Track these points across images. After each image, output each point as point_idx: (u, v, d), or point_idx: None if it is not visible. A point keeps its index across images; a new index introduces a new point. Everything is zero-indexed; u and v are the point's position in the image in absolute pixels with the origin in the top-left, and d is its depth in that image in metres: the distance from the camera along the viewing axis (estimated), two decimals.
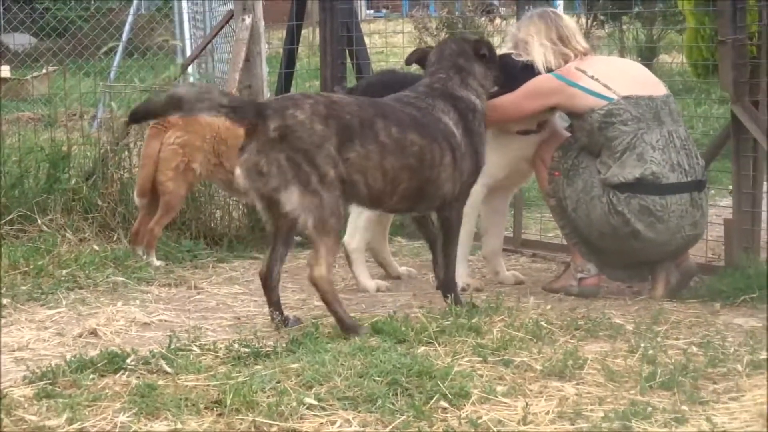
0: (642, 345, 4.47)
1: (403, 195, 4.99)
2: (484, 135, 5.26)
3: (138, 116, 4.97)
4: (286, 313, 5.00)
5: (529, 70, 5.53)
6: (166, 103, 4.70)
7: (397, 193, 4.96)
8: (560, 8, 5.89)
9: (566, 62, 5.52)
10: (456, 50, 5.28)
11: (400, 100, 5.09)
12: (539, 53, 5.52)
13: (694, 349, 4.46)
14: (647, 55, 12.68)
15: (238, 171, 4.75)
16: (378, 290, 5.77)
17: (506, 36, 5.75)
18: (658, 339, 4.60)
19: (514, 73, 5.50)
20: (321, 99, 4.88)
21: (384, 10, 17.06)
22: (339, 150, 4.73)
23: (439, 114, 5.09)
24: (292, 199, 4.65)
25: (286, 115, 4.70)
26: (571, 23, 5.69)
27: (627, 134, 5.32)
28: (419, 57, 5.47)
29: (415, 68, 5.66)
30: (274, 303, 4.96)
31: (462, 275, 5.62)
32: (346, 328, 4.68)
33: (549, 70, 5.50)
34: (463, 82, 5.21)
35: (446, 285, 5.22)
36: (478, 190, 5.57)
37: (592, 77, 5.40)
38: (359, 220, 5.78)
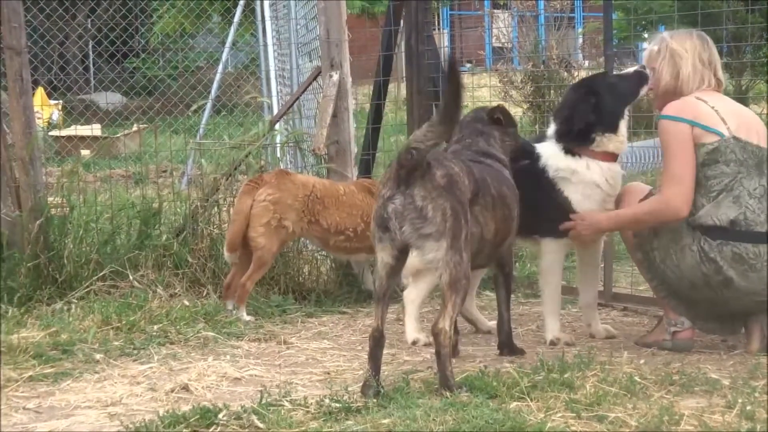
0: (740, 400, 4.36)
1: (495, 246, 5.13)
2: None
3: (456, 73, 4.66)
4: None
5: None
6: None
7: (493, 244, 5.09)
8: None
9: (698, 87, 5.43)
10: (474, 116, 5.49)
11: (471, 159, 5.17)
12: (687, 68, 5.44)
13: None
14: None
15: (377, 215, 4.70)
16: (414, 343, 5.70)
17: (651, 41, 5.70)
18: (756, 394, 4.49)
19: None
20: (452, 156, 5.02)
21: (467, 64, 17.08)
22: (471, 207, 4.83)
23: (503, 170, 5.31)
24: (439, 250, 4.63)
25: (446, 165, 4.76)
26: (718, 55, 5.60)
27: (726, 175, 5.23)
28: None
29: None
30: (378, 367, 4.73)
31: (553, 330, 5.65)
32: (446, 387, 4.56)
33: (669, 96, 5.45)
34: (488, 143, 5.39)
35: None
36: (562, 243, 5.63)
37: (712, 107, 5.31)
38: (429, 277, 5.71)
